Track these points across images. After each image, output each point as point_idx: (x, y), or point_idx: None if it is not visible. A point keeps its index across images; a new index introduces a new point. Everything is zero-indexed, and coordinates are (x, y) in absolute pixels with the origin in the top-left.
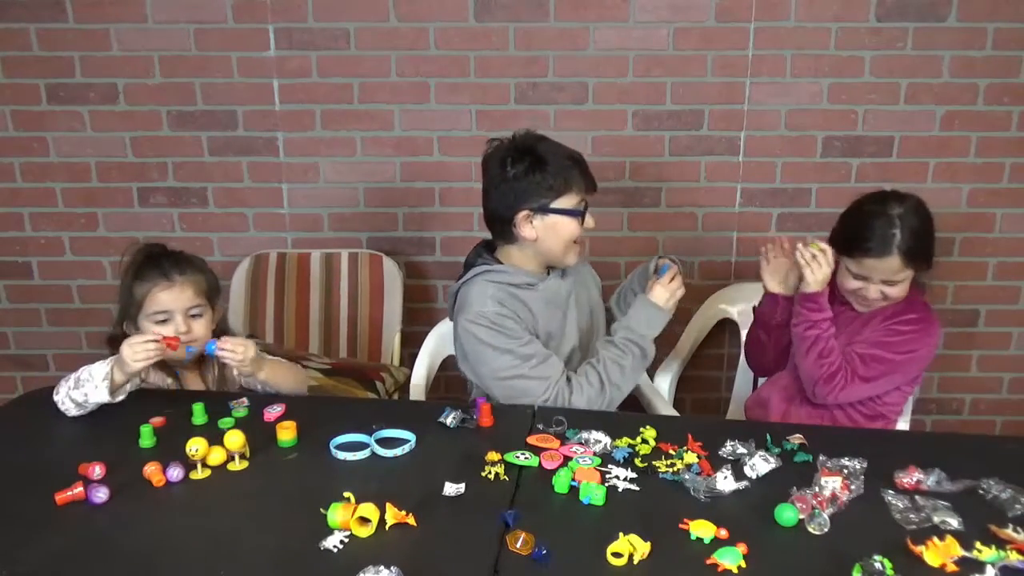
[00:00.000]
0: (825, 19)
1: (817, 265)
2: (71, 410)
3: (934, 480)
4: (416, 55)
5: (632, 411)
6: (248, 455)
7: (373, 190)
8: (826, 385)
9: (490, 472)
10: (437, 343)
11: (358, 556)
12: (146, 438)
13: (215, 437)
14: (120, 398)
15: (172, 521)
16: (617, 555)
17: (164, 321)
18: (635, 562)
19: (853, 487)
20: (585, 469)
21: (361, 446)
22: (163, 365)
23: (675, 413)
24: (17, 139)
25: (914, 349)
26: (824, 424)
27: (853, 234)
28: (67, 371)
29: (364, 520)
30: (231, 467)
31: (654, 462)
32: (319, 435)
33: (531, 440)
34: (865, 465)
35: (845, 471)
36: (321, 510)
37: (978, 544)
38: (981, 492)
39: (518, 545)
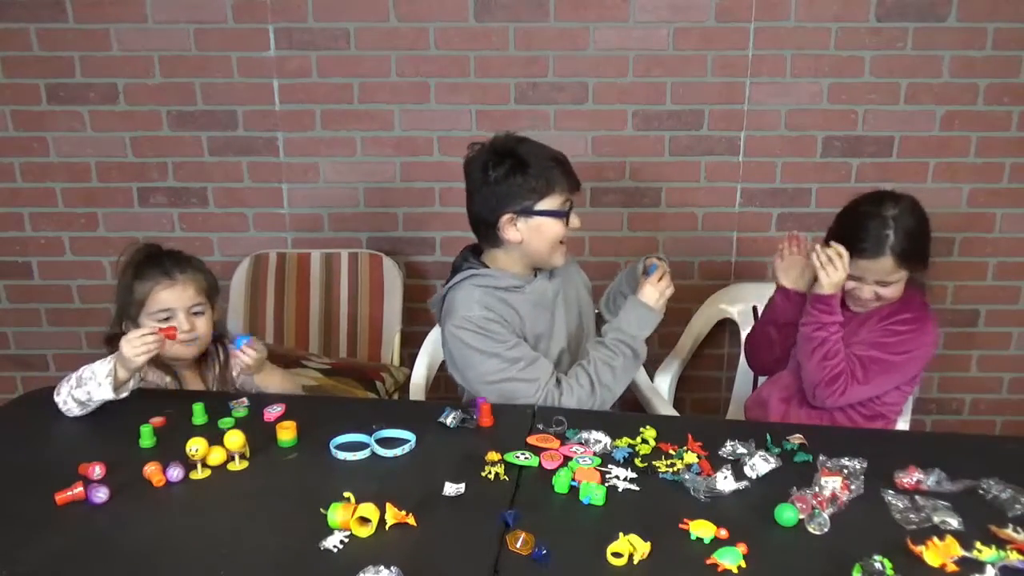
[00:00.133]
0: (825, 19)
1: (833, 268)
2: (73, 410)
3: (934, 480)
4: (416, 55)
5: (632, 411)
6: (248, 455)
7: (373, 190)
8: (828, 388)
9: (490, 472)
10: (437, 343)
11: (358, 556)
12: (146, 438)
13: (215, 437)
14: (124, 395)
15: (172, 521)
16: (617, 555)
17: (167, 320)
18: (635, 562)
19: (853, 487)
20: (585, 469)
21: (361, 446)
22: (163, 365)
23: (675, 413)
24: (17, 139)
25: (910, 349)
26: (823, 424)
27: (848, 234)
28: (67, 371)
29: (364, 520)
30: (231, 467)
31: (654, 462)
32: (319, 435)
33: (531, 440)
34: (865, 465)
35: (845, 471)
36: (321, 510)
37: (978, 544)
38: (981, 492)
39: (518, 545)
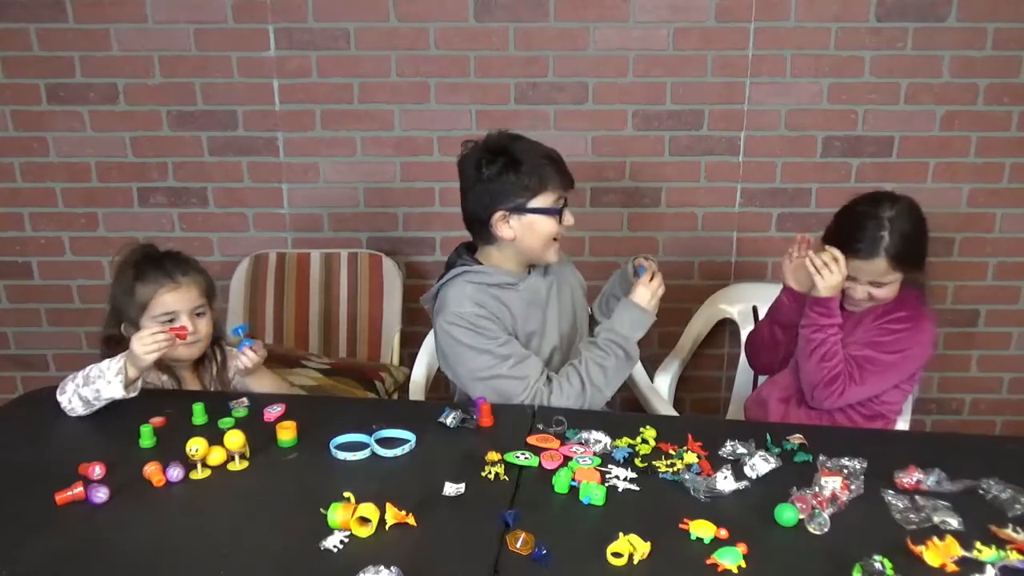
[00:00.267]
0: (825, 19)
1: (828, 272)
2: (77, 408)
3: (934, 480)
4: (416, 55)
5: (632, 411)
6: (248, 455)
7: (373, 190)
8: (826, 389)
9: (490, 472)
10: None
11: (358, 556)
12: (146, 438)
13: (215, 437)
14: (133, 394)
15: (172, 521)
16: (617, 555)
17: (170, 322)
18: (635, 562)
19: (853, 487)
20: (585, 469)
21: (361, 446)
22: (162, 365)
23: (675, 413)
24: (17, 139)
25: (905, 348)
26: (823, 424)
27: (844, 234)
28: (67, 371)
29: (364, 520)
30: (231, 467)
31: (654, 462)
32: (319, 435)
33: (531, 440)
34: (865, 465)
35: (845, 471)
36: (321, 510)
37: (978, 544)
38: (981, 492)
39: (518, 545)
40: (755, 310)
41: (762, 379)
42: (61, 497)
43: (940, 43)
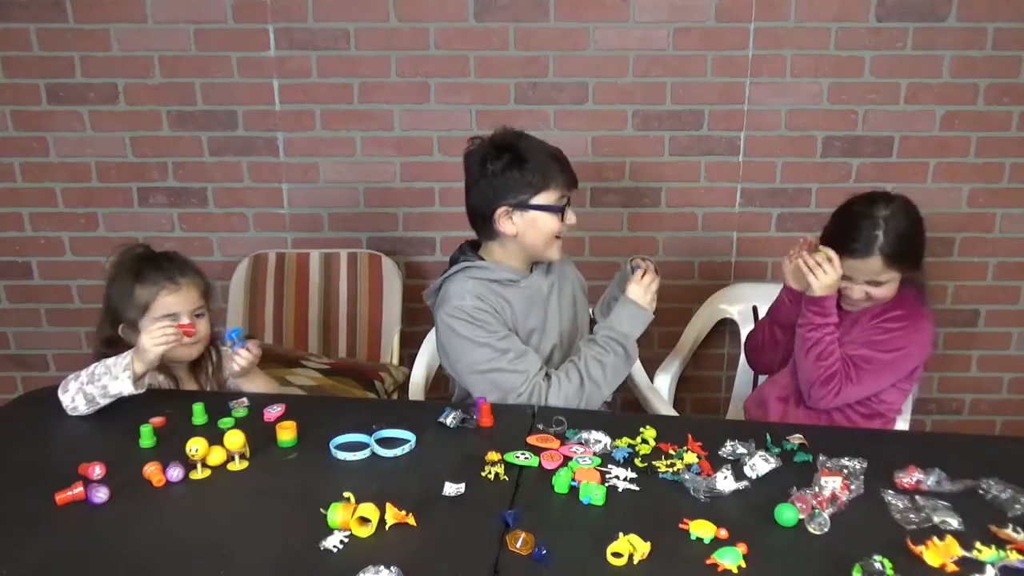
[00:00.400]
0: (825, 19)
1: (822, 271)
2: (80, 407)
3: (934, 480)
4: (416, 55)
5: (632, 411)
6: (248, 455)
7: (373, 190)
8: (822, 388)
9: (490, 472)
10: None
11: (358, 556)
12: (146, 438)
13: (215, 437)
14: (140, 390)
15: (172, 521)
16: (617, 555)
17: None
18: (635, 562)
19: (853, 487)
20: (585, 469)
21: (361, 446)
22: (161, 366)
23: (675, 413)
24: (17, 139)
25: (902, 347)
26: (822, 423)
27: (839, 233)
28: (67, 371)
29: (364, 520)
30: (231, 467)
31: (654, 462)
32: (319, 435)
33: (531, 440)
34: (865, 465)
35: (845, 471)
36: (321, 510)
37: (978, 544)
38: (981, 492)
39: (518, 545)
40: (755, 310)
41: (762, 379)
42: (61, 497)
43: (940, 43)
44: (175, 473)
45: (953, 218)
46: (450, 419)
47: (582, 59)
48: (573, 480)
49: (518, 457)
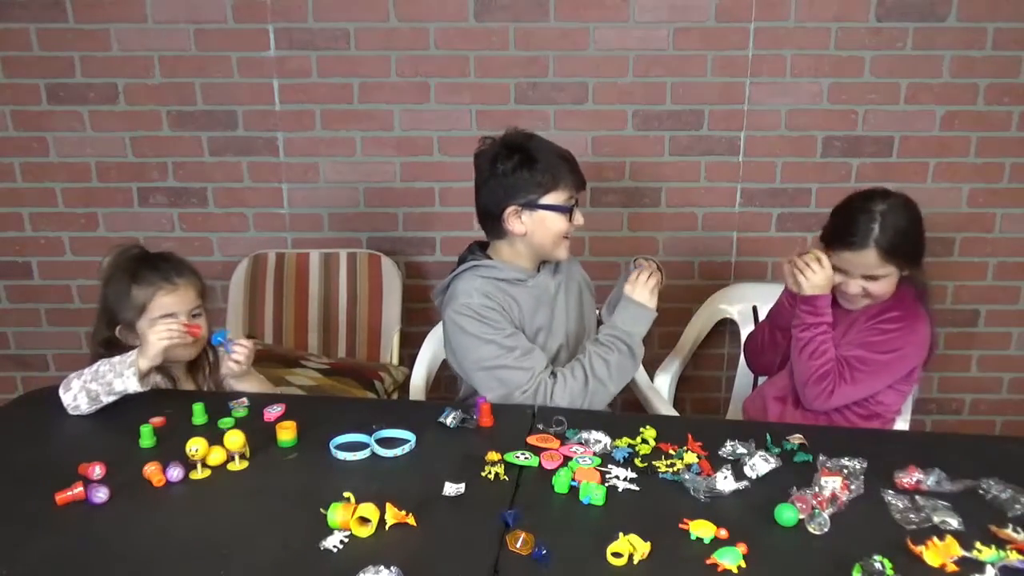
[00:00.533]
0: (825, 19)
1: (811, 271)
2: (82, 406)
3: (934, 480)
4: (416, 55)
5: (632, 411)
6: (248, 455)
7: (373, 190)
8: (815, 387)
9: (490, 472)
10: (437, 343)
11: (358, 556)
12: (146, 438)
13: (215, 437)
14: (145, 388)
15: (172, 521)
16: (617, 555)
17: None
18: (635, 562)
19: (853, 487)
20: (585, 469)
21: (361, 446)
22: (159, 366)
23: (675, 413)
24: (17, 139)
25: (898, 347)
26: (821, 424)
27: (837, 228)
28: (67, 371)
29: (364, 520)
30: (231, 467)
31: (654, 462)
32: (319, 435)
33: (531, 440)
34: (865, 465)
35: (845, 471)
36: (321, 510)
37: (978, 544)
38: (981, 492)
39: (518, 545)
40: (755, 310)
41: (762, 379)
42: (61, 497)
43: (940, 43)
44: (175, 473)
45: (953, 218)
46: (450, 419)
47: (582, 59)
48: (573, 480)
49: (518, 457)
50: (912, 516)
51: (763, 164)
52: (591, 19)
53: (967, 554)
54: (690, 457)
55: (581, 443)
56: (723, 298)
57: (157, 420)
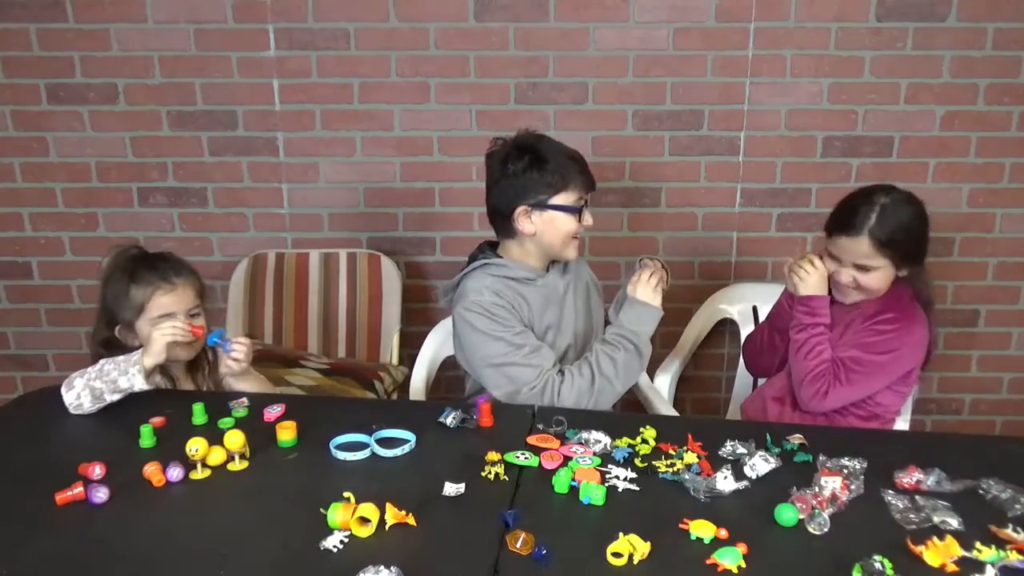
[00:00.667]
0: (825, 19)
1: (805, 272)
2: (85, 404)
3: (934, 480)
4: (416, 55)
5: (632, 411)
6: (248, 455)
7: (373, 190)
8: (809, 387)
9: (490, 472)
10: (437, 343)
11: (358, 556)
12: (146, 438)
13: (215, 437)
14: (150, 386)
15: (172, 521)
16: (617, 555)
17: None
18: (635, 562)
19: (853, 487)
20: (585, 469)
21: (361, 446)
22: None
23: (675, 413)
24: (17, 139)
25: (894, 348)
26: (819, 424)
27: (837, 215)
28: (67, 371)
29: (364, 520)
30: (231, 467)
31: (654, 462)
32: (319, 435)
33: (531, 440)
34: (865, 465)
35: (845, 471)
36: (321, 510)
37: (978, 544)
38: (981, 492)
39: (518, 545)
40: (755, 310)
41: (762, 380)
42: (61, 497)
43: (940, 43)
44: (175, 473)
45: (953, 218)
46: (450, 419)
47: (582, 59)
48: (573, 480)
49: (518, 457)
50: (912, 516)
51: (763, 164)
52: (591, 19)
53: (967, 554)
54: (690, 457)
55: (581, 443)
56: (723, 298)
57: (157, 420)
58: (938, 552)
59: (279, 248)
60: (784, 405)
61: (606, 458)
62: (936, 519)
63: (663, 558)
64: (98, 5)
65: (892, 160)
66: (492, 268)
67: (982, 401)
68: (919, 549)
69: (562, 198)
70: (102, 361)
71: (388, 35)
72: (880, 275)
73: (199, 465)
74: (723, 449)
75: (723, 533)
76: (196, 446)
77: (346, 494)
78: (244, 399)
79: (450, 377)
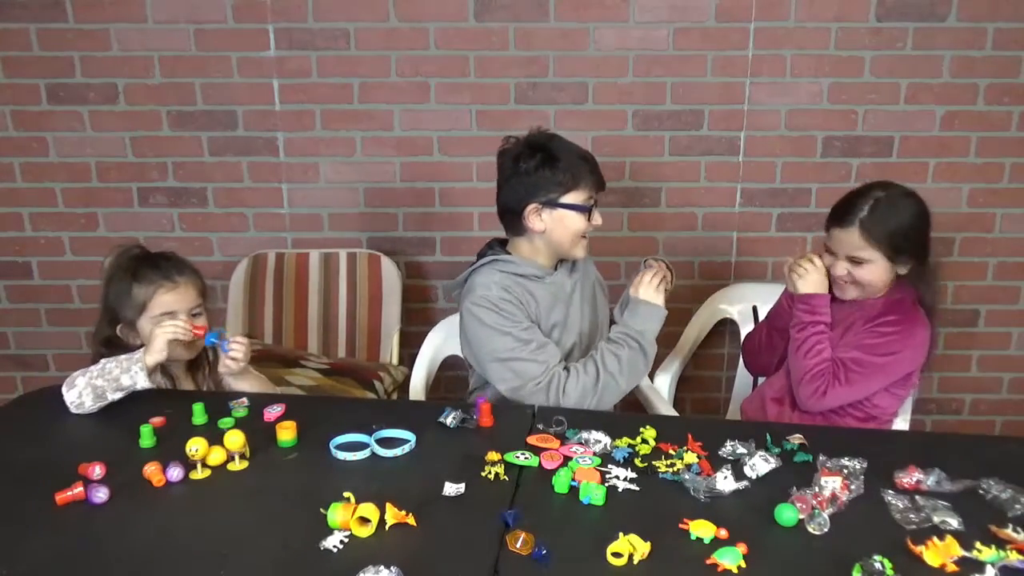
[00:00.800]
0: (825, 19)
1: (803, 270)
2: (87, 402)
3: (934, 480)
4: (416, 55)
5: (632, 411)
6: (248, 455)
7: (373, 190)
8: (808, 386)
9: (490, 472)
10: (437, 343)
11: (358, 556)
12: (146, 438)
13: (215, 437)
14: (152, 385)
15: (172, 521)
16: (617, 555)
17: None
18: (635, 562)
19: (853, 487)
20: (585, 469)
21: (361, 446)
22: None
23: (675, 413)
24: (17, 139)
25: (895, 351)
26: (818, 425)
27: (834, 206)
28: (67, 371)
29: (364, 520)
30: (231, 467)
31: (654, 462)
32: (319, 435)
33: (531, 440)
34: (865, 465)
35: (845, 471)
36: (321, 510)
37: (978, 544)
38: (981, 492)
39: (518, 545)
40: (755, 310)
41: (762, 380)
42: (61, 497)
43: (940, 43)
44: (175, 473)
45: (953, 218)
46: (450, 419)
47: (582, 59)
48: (573, 480)
49: (518, 457)
50: (912, 516)
51: (763, 164)
52: (591, 19)
53: (967, 554)
54: (690, 457)
55: (581, 443)
56: (723, 298)
57: (157, 420)
58: (938, 552)
59: (279, 248)
60: (783, 405)
61: (606, 458)
62: (936, 519)
63: (663, 558)
64: (98, 5)
65: (892, 160)
66: (501, 264)
67: (982, 401)
68: (919, 549)
69: (572, 197)
70: (103, 360)
71: (388, 35)
72: (873, 269)
73: (199, 465)
74: (723, 449)
75: (723, 533)
76: (196, 446)
77: (346, 494)
78: (244, 399)
79: (450, 377)
